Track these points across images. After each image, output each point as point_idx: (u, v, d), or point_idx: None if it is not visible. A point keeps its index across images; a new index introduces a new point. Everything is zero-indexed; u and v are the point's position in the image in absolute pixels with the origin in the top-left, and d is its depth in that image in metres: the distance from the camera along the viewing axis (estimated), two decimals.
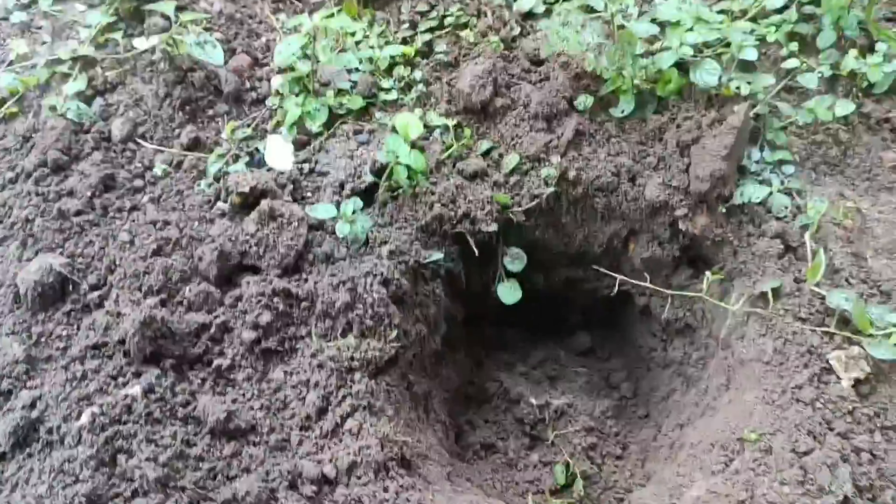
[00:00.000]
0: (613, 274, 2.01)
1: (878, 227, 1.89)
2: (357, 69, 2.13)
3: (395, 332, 1.68)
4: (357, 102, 2.04)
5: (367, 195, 1.87)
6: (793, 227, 1.87)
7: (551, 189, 1.90)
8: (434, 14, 2.28)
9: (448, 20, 2.24)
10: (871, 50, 2.03)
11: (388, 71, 2.16)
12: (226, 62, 2.10)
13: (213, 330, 1.60)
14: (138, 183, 1.88)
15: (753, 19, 2.17)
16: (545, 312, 2.30)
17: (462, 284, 1.96)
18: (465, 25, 2.25)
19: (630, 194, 1.96)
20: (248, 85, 2.12)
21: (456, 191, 1.87)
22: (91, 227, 1.76)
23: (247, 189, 1.80)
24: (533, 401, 2.08)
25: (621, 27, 1.98)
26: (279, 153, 1.96)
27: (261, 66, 2.19)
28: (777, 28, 2.12)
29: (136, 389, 1.47)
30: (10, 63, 2.14)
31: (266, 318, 1.61)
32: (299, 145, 2.00)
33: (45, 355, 1.57)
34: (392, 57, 2.16)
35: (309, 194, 1.89)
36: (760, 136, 2.01)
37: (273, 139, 1.99)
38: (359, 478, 1.49)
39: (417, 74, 2.13)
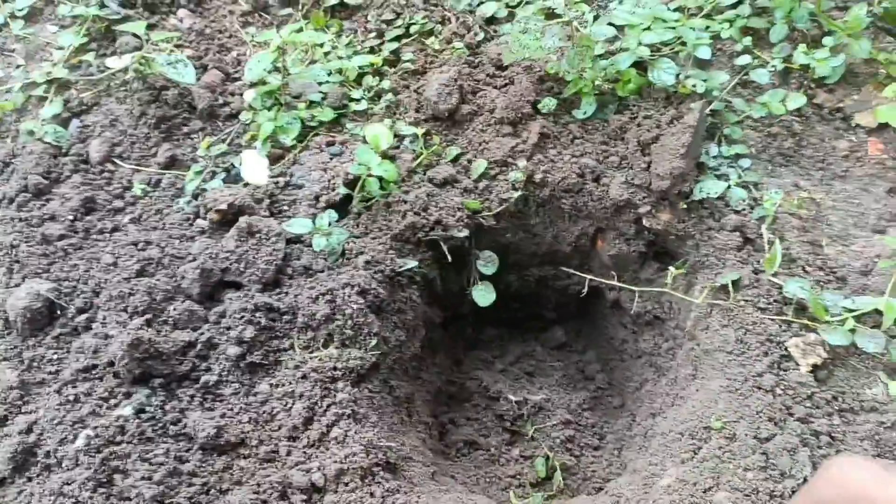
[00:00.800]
0: (581, 274, 2.10)
1: (832, 214, 1.98)
2: (327, 80, 2.19)
3: (374, 341, 1.75)
4: (328, 114, 2.10)
5: (342, 206, 1.93)
6: (750, 219, 1.95)
7: (518, 193, 1.97)
8: (400, 22, 2.34)
9: (413, 28, 2.29)
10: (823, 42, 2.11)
11: (358, 81, 2.22)
12: (198, 79, 2.14)
13: (199, 347, 1.66)
14: (118, 204, 1.93)
15: (708, 16, 2.25)
16: (520, 310, 2.38)
17: (438, 289, 2.03)
18: (431, 33, 2.30)
19: (595, 194, 2.03)
20: (220, 100, 2.17)
21: (427, 199, 1.93)
22: (74, 250, 1.81)
23: (224, 206, 1.85)
24: (511, 397, 2.16)
25: (578, 30, 2.04)
26: (255, 168, 2.01)
27: (232, 81, 2.24)
28: (731, 24, 2.19)
29: (127, 410, 1.53)
30: None
31: (250, 332, 1.68)
32: (274, 159, 2.06)
33: (38, 379, 1.63)
34: (360, 67, 2.21)
35: (285, 207, 1.95)
36: (718, 131, 2.09)
37: (248, 154, 2.04)
38: (346, 484, 1.56)
39: (386, 84, 2.18)
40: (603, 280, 2.09)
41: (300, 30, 2.07)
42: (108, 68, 2.17)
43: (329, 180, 1.94)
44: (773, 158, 2.07)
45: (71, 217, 1.85)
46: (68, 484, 1.43)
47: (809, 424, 1.67)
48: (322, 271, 1.81)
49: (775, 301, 1.84)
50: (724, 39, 2.18)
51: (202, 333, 1.68)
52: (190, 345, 1.66)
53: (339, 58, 2.25)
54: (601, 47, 2.14)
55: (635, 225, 2.07)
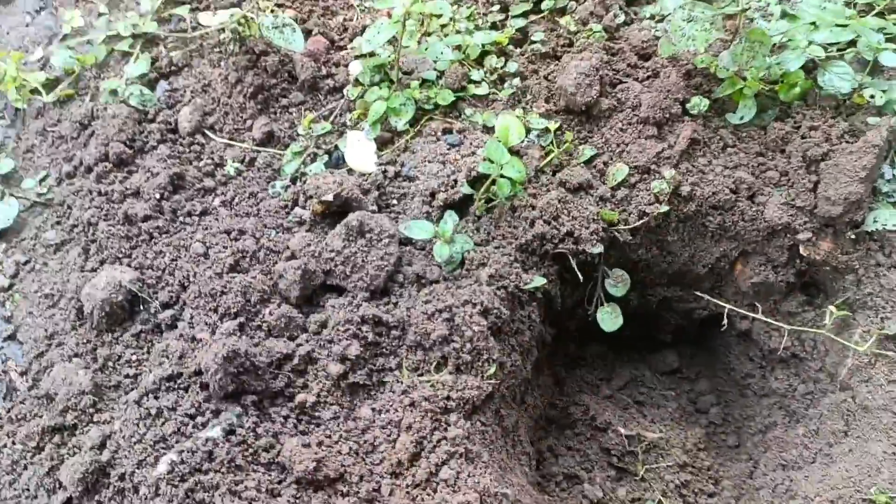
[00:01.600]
0: (719, 302, 1.83)
1: None
2: (441, 58, 1.93)
3: (493, 368, 1.52)
4: (446, 97, 1.84)
5: (460, 207, 1.68)
6: None
7: (664, 208, 1.71)
8: None
9: (545, 4, 2.02)
10: None
11: (479, 60, 1.96)
12: None
13: (296, 361, 1.44)
14: (209, 183, 1.71)
15: (881, 14, 1.94)
16: (632, 329, 2.12)
17: (557, 307, 1.78)
18: (564, 11, 2.02)
19: (747, 214, 1.76)
20: (324, 71, 1.93)
21: (559, 206, 1.68)
22: (160, 234, 1.59)
23: (330, 197, 1.62)
24: (622, 430, 1.92)
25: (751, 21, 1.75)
26: (361, 153, 1.77)
27: (337, 50, 1.99)
28: None
29: (216, 432, 1.32)
30: (64, 37, 1.96)
31: (354, 349, 1.45)
32: (382, 143, 1.82)
33: (114, 383, 1.42)
34: (483, 45, 1.95)
35: (394, 202, 1.71)
36: (891, 150, 1.79)
37: (354, 136, 1.80)
38: None
39: (511, 66, 1.92)
40: (740, 310, 1.82)
41: None
42: (202, 25, 1.93)
43: (448, 176, 1.69)
44: None
45: (157, 195, 1.63)
46: None
47: None
48: (438, 282, 1.57)
49: None
50: None
51: (300, 345, 1.46)
52: (286, 357, 1.44)
53: (458, 32, 1.99)
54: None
55: (788, 252, 1.79)
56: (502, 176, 1.60)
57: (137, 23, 1.93)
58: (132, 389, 1.40)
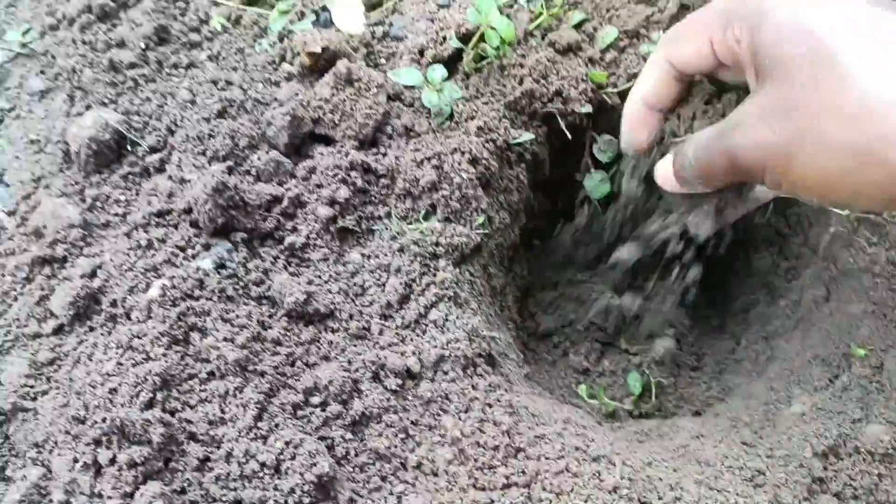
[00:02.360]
0: None
1: None
2: None
3: (481, 218, 1.53)
4: None
5: (449, 65, 1.67)
6: None
7: None
8: None
9: None
10: None
11: None
12: None
13: (285, 203, 1.44)
14: (194, 37, 1.68)
15: None
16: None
17: (545, 171, 1.79)
18: None
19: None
20: None
21: (548, 65, 1.68)
22: (146, 82, 1.58)
23: (318, 49, 1.60)
24: (604, 303, 1.94)
25: None
26: (349, 13, 1.75)
27: None
28: None
29: (207, 263, 1.33)
30: None
31: (343, 193, 1.46)
32: (370, 6, 1.79)
33: (103, 221, 1.42)
34: None
35: (383, 61, 1.70)
36: None
37: None
38: (445, 373, 1.37)
39: None
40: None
41: None
42: None
43: (437, 32, 1.68)
44: None
45: (142, 45, 1.61)
46: (139, 337, 1.23)
47: None
48: (427, 133, 1.57)
49: None
50: None
51: (289, 189, 1.46)
52: (276, 199, 1.44)
53: None
54: None
55: None
56: (491, 27, 1.59)
57: None
58: (122, 226, 1.40)
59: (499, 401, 1.37)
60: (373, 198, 1.51)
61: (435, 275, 1.47)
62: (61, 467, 1.16)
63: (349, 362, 1.33)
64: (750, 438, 1.47)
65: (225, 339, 1.25)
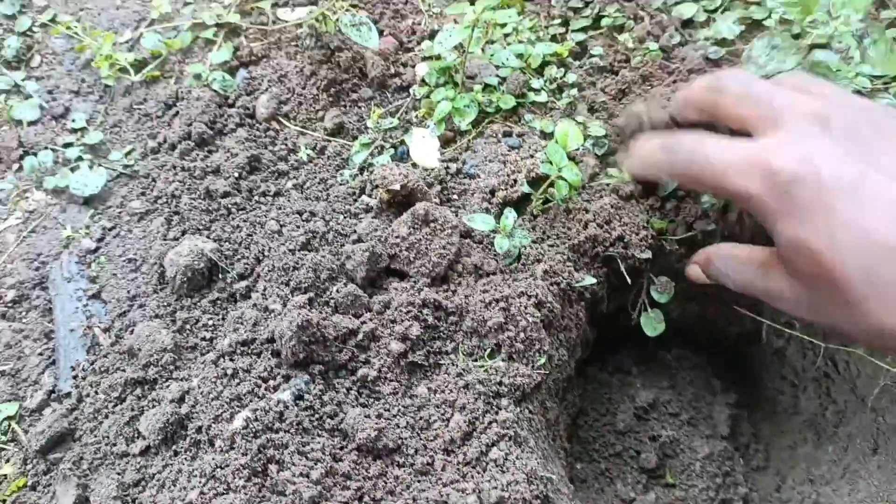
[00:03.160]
0: (758, 318, 1.91)
1: None
2: (506, 65, 2.03)
3: (543, 359, 1.61)
4: (508, 101, 1.94)
5: (517, 206, 1.78)
6: None
7: (711, 226, 1.79)
8: (588, 12, 2.16)
9: (604, 21, 2.12)
10: None
11: (539, 70, 2.06)
12: None
13: (360, 337, 1.53)
14: (282, 166, 1.81)
15: None
16: (667, 344, 2.20)
17: (603, 308, 1.87)
18: (622, 28, 2.12)
19: None
20: (392, 70, 2.03)
21: (611, 211, 1.77)
22: (238, 210, 1.70)
23: (398, 186, 1.72)
24: (650, 436, 1.99)
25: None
26: (425, 149, 1.87)
27: (405, 51, 2.10)
28: None
29: (287, 395, 1.42)
30: (152, 22, 2.08)
31: (415, 330, 1.54)
32: (444, 141, 1.92)
33: (191, 344, 1.52)
34: (544, 55, 2.05)
35: (455, 197, 1.81)
36: None
37: (419, 133, 1.90)
38: None
39: (571, 77, 2.02)
40: (780, 327, 1.90)
41: (496, 7, 1.91)
42: (281, 20, 2.04)
43: (508, 175, 1.78)
44: None
45: (236, 174, 1.74)
46: (221, 468, 1.31)
47: None
48: (495, 273, 1.66)
49: None
50: None
51: (364, 323, 1.55)
52: (351, 333, 1.53)
53: (520, 42, 2.09)
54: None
55: None
56: (560, 178, 1.69)
57: (221, 13, 2.04)
58: (208, 351, 1.50)
59: None
60: (441, 334, 1.60)
61: (497, 413, 1.53)
62: None
63: (413, 499, 1.40)
64: None
65: (301, 475, 1.33)
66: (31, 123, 1.87)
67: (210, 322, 1.55)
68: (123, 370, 1.48)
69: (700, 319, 2.10)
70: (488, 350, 1.60)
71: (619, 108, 1.96)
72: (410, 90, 2.01)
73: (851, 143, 1.03)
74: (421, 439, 1.50)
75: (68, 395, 1.49)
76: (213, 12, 2.05)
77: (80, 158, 1.81)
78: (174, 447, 1.39)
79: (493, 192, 1.78)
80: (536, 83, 2.02)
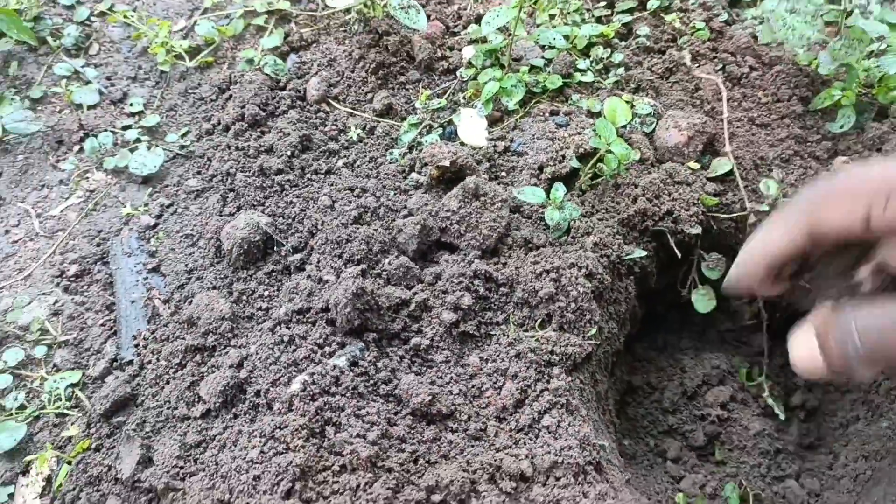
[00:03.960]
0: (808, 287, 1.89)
1: None
2: (550, 46, 2.05)
3: (593, 330, 1.61)
4: (555, 81, 1.96)
5: (566, 181, 1.79)
6: None
7: (764, 207, 1.78)
8: None
9: (650, 3, 2.12)
10: None
11: (585, 51, 2.07)
12: None
13: (412, 307, 1.55)
14: (333, 146, 1.85)
15: None
16: (714, 323, 2.18)
17: (651, 283, 1.87)
18: (668, 9, 2.13)
19: None
20: (439, 53, 2.06)
21: (661, 186, 1.77)
22: (291, 187, 1.74)
23: (447, 162, 1.74)
24: (699, 414, 1.98)
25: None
26: (473, 128, 1.89)
27: (451, 35, 2.13)
28: None
29: (342, 360, 1.44)
30: (205, 11, 2.13)
31: (467, 300, 1.56)
32: (492, 121, 1.94)
33: (247, 314, 1.56)
34: (590, 36, 2.06)
35: (503, 174, 1.83)
36: None
37: (467, 113, 1.92)
38: (557, 479, 1.42)
39: (617, 57, 2.02)
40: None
41: None
42: (330, 7, 2.09)
43: (557, 151, 1.80)
44: None
45: (288, 153, 1.78)
46: (280, 428, 1.34)
47: None
48: (544, 246, 1.67)
49: None
50: None
51: (416, 294, 1.57)
52: (404, 303, 1.56)
53: (566, 24, 2.11)
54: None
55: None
56: (609, 151, 1.70)
57: (272, 1, 2.09)
58: (265, 320, 1.53)
59: None
60: (492, 304, 1.61)
61: (549, 381, 1.54)
62: None
63: (468, 463, 1.41)
64: None
65: (358, 436, 1.35)
66: (90, 107, 1.94)
67: (265, 293, 1.58)
68: (183, 338, 1.51)
69: (748, 294, 2.08)
70: (539, 320, 1.61)
71: (666, 86, 1.97)
72: (457, 73, 2.04)
73: None
74: (473, 406, 1.51)
75: (130, 362, 1.54)
76: (264, 0, 2.10)
77: (138, 140, 1.87)
78: (233, 410, 1.42)
79: (541, 168, 1.79)
80: (582, 64, 2.03)
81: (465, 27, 2.13)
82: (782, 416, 1.99)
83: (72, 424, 1.47)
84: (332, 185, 1.75)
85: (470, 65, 2.03)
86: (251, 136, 1.82)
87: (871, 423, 1.93)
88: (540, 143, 1.83)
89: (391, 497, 1.31)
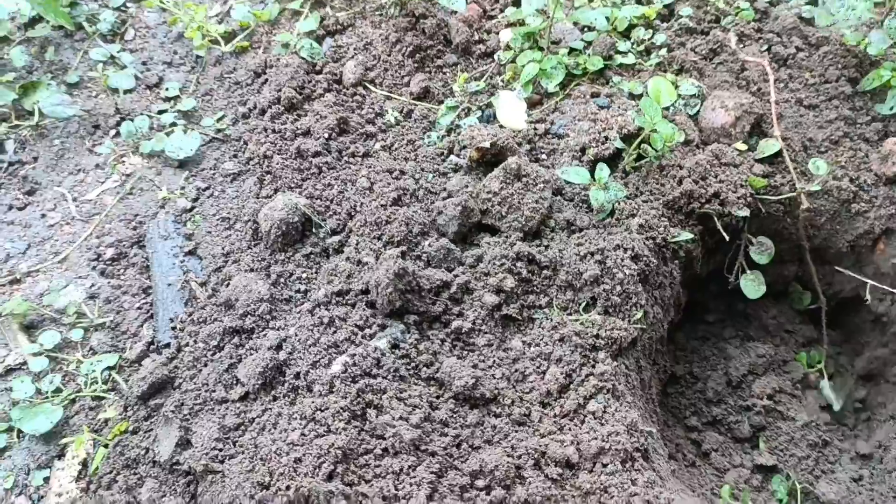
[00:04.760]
0: (862, 278, 1.82)
1: None
2: (590, 28, 2.00)
3: (639, 313, 1.56)
4: (596, 63, 1.91)
5: (609, 162, 1.74)
6: None
7: (815, 186, 1.72)
8: None
9: None
10: None
11: (625, 33, 2.02)
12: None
13: (453, 289, 1.51)
14: (370, 129, 1.82)
15: None
16: (761, 308, 2.12)
17: (696, 268, 1.81)
18: None
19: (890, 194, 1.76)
20: (476, 37, 2.02)
21: (707, 167, 1.72)
22: (328, 169, 1.71)
23: (487, 144, 1.70)
24: (744, 405, 1.92)
25: None
26: (513, 111, 1.85)
27: (488, 19, 2.09)
28: None
29: (383, 343, 1.41)
30: None
31: (510, 283, 1.52)
32: (531, 104, 1.89)
33: (286, 296, 1.53)
34: (630, 18, 2.01)
35: (544, 157, 1.78)
36: None
37: (506, 96, 1.88)
38: (604, 465, 1.38)
39: (659, 38, 1.97)
40: (886, 287, 1.81)
41: None
42: None
43: (599, 132, 1.75)
44: None
45: (326, 135, 1.75)
46: (321, 410, 1.31)
47: None
48: (588, 228, 1.63)
49: None
50: None
51: (457, 276, 1.54)
52: (445, 285, 1.52)
53: (605, 5, 2.06)
54: None
55: None
56: (654, 131, 1.65)
57: None
58: (304, 302, 1.50)
59: (658, 498, 1.37)
60: (535, 287, 1.57)
61: (594, 366, 1.50)
62: None
63: (512, 448, 1.37)
64: None
65: (401, 418, 1.31)
66: (126, 92, 1.92)
67: (304, 275, 1.55)
68: (221, 320, 1.49)
69: (797, 281, 2.02)
70: (584, 303, 1.56)
71: (710, 67, 1.92)
72: (495, 56, 2.00)
73: None
74: (517, 390, 1.47)
75: (168, 345, 1.51)
76: None
77: (174, 124, 1.85)
78: (273, 392, 1.39)
79: (583, 150, 1.75)
80: (623, 45, 1.98)
81: (502, 10, 2.09)
82: (836, 407, 1.92)
83: (108, 407, 1.45)
84: (370, 167, 1.71)
85: (508, 47, 1.99)
86: (287, 119, 1.80)
87: None
88: (581, 124, 1.78)
89: (435, 481, 1.28)
